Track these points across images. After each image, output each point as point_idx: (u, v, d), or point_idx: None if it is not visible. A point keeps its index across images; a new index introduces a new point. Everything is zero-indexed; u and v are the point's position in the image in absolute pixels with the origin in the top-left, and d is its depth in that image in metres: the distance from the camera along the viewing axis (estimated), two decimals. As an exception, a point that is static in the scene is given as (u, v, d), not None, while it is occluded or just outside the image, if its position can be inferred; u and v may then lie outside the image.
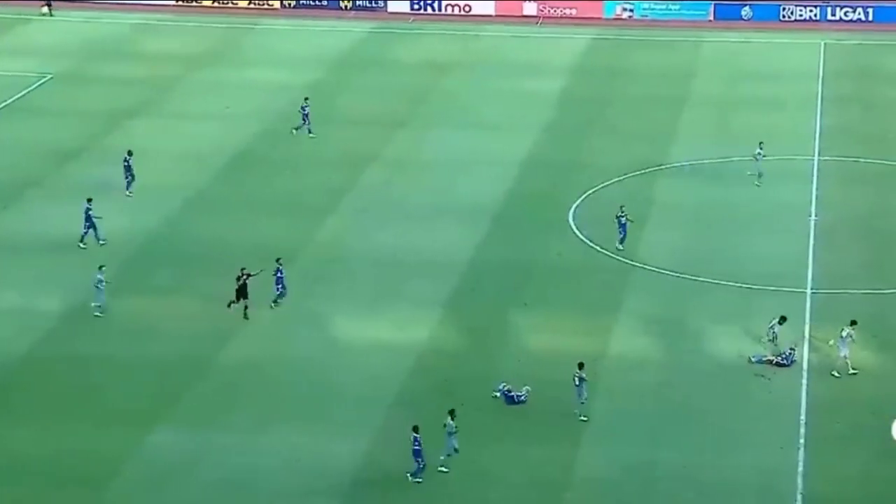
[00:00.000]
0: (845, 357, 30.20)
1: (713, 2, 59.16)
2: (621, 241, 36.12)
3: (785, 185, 41.21)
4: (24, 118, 47.74)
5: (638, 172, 42.19)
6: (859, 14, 58.07)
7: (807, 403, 29.29)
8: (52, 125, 46.75)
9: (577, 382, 28.52)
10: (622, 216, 36.17)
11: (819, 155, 43.48)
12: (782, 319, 31.29)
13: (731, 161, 43.13)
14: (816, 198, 40.13)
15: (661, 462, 27.34)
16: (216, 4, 60.83)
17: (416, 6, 60.11)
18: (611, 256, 36.41)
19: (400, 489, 26.76)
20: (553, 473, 26.84)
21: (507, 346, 31.85)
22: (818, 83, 50.42)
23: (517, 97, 48.90)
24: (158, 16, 59.71)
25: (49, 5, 59.37)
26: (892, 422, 26.81)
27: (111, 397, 29.79)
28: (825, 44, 55.17)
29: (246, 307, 32.47)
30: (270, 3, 60.99)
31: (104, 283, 33.03)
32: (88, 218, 36.57)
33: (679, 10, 59.32)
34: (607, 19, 59.09)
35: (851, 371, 30.27)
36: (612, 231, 37.39)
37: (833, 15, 58.11)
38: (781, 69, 52.21)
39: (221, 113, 47.68)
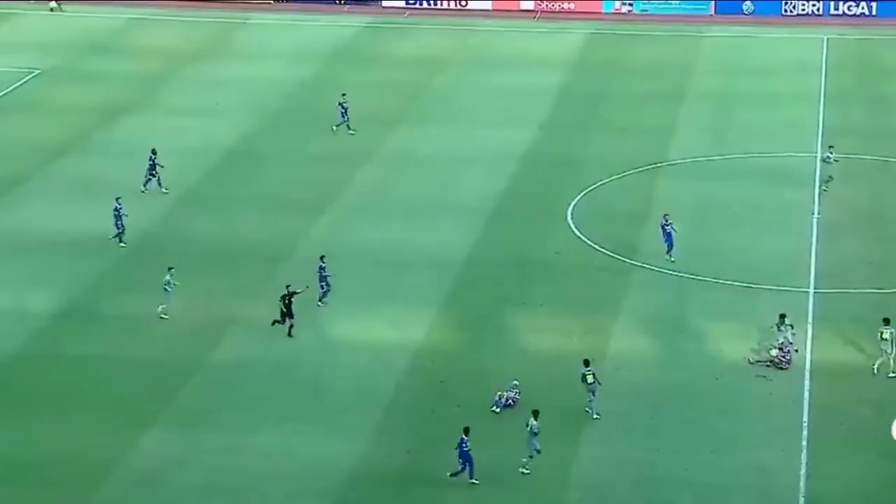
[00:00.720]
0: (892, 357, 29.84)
1: (714, -4, 58.84)
2: (669, 251, 35.24)
3: (787, 182, 40.92)
4: (12, 114, 47.55)
5: (638, 170, 41.86)
6: (862, 9, 57.85)
7: (809, 404, 29.11)
8: (41, 121, 46.60)
9: (591, 381, 28.38)
10: (667, 224, 35.34)
11: (821, 151, 43.08)
12: (782, 318, 30.72)
13: (732, 158, 42.70)
14: (819, 195, 39.79)
15: (661, 463, 27.19)
16: (208, -2, 60.36)
17: (411, 1, 59.56)
18: (610, 255, 36.15)
19: (395, 491, 26.63)
20: (551, 474, 26.67)
21: (504, 346, 31.71)
22: (821, 79, 50.26)
23: (514, 93, 48.74)
24: (149, 10, 59.23)
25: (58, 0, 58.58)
26: (893, 422, 26.51)
27: (102, 397, 29.64)
28: (828, 39, 54.97)
29: (291, 326, 31.38)
30: (263, -4, 60.52)
31: (173, 286, 32.48)
32: (119, 216, 36.14)
33: (679, 4, 58.88)
34: (606, 14, 58.78)
35: (891, 374, 29.96)
36: (611, 229, 37.37)
37: (836, 9, 57.93)
38: (783, 64, 52.07)
39: (213, 109, 47.49)
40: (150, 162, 39.89)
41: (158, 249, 36.72)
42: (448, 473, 26.44)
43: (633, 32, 56.41)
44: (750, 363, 30.45)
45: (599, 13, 58.73)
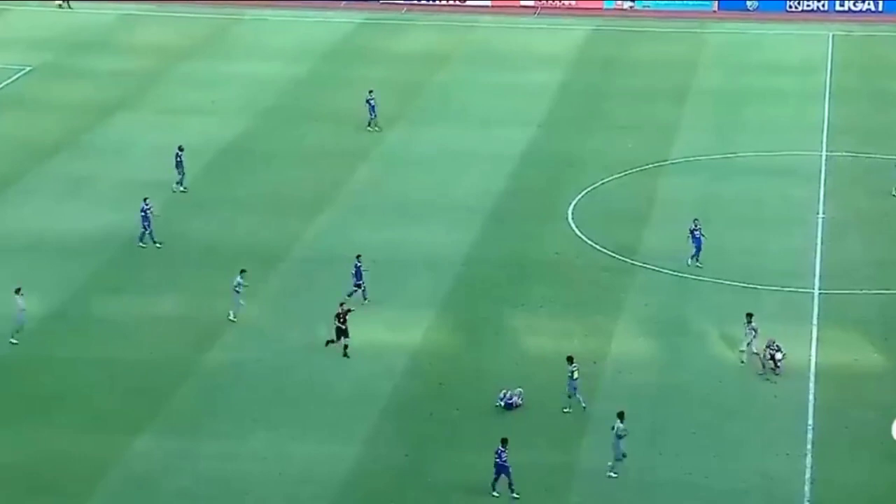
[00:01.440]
0: None
1: (718, -7, 58.43)
2: (693, 257, 34.65)
3: (791, 181, 40.67)
4: (2, 111, 47.26)
5: (639, 168, 41.51)
6: (868, 5, 57.58)
7: (814, 407, 28.87)
8: (32, 119, 46.35)
9: (576, 377, 28.30)
10: (696, 229, 34.78)
11: (827, 150, 42.85)
12: (749, 318, 30.29)
13: (736, 156, 42.29)
14: (824, 194, 39.63)
15: (663, 467, 26.99)
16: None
17: (409, -4, 59.26)
18: (611, 255, 35.78)
19: (392, 495, 26.37)
20: (552, 478, 26.40)
21: (503, 348, 31.49)
22: (826, 76, 49.96)
23: (514, 91, 48.55)
24: (143, 6, 58.74)
25: None
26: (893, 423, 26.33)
27: (92, 401, 29.40)
28: (833, 35, 54.72)
29: (346, 346, 30.61)
30: (258, -8, 60.10)
31: (244, 287, 32.09)
32: (146, 217, 35.77)
33: (682, 1, 58.43)
34: (607, 10, 58.44)
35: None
36: (613, 229, 37.12)
37: (841, 6, 57.77)
38: (788, 62, 51.87)
39: (207, 107, 47.34)
40: (177, 159, 39.57)
41: (152, 249, 36.37)
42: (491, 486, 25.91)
43: (634, 29, 56.11)
44: (742, 362, 30.00)
45: (600, 9, 58.48)
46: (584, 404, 28.52)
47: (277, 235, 37.01)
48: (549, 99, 47.63)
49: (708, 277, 34.58)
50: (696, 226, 34.81)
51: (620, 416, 26.53)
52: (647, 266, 35.19)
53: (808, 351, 30.81)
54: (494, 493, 25.92)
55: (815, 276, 34.49)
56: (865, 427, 27.99)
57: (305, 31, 56.13)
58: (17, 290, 31.50)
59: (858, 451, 27.29)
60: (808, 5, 57.87)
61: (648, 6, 58.67)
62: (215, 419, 28.54)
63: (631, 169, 41.55)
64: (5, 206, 39.49)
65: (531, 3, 58.87)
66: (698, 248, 34.64)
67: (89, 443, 27.68)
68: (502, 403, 28.66)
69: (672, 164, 42.26)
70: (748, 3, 58.31)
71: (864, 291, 33.76)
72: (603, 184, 40.53)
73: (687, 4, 58.64)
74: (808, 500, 25.86)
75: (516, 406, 28.72)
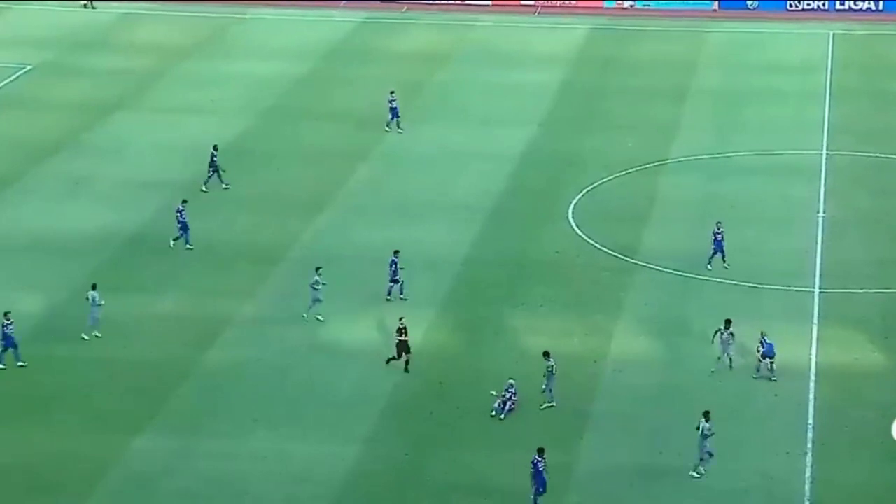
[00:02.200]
0: None
1: (718, -9, 58.35)
2: (722, 257, 34.45)
3: (792, 180, 40.59)
4: (2, 110, 47.13)
5: (639, 167, 41.45)
6: (869, 4, 57.51)
7: (814, 407, 28.79)
8: (31, 118, 46.26)
9: (554, 372, 28.19)
10: (719, 232, 34.63)
11: (827, 149, 42.83)
12: (727, 324, 30.11)
13: (737, 156, 42.24)
14: (824, 193, 39.52)
15: (664, 466, 26.91)
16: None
17: (409, -5, 59.18)
18: (611, 254, 35.67)
19: (392, 495, 26.29)
20: (552, 478, 26.20)
21: (503, 347, 31.37)
22: (826, 75, 49.89)
23: (514, 90, 48.47)
24: (143, 5, 58.64)
25: None
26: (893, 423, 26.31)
27: (92, 400, 29.32)
28: (833, 34, 54.65)
29: (407, 361, 30.14)
30: (259, -9, 60.03)
31: (322, 285, 31.98)
32: (180, 219, 35.77)
33: (682, 0, 58.32)
34: (607, 9, 58.32)
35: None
36: (613, 228, 37.06)
37: (842, 5, 57.68)
38: (788, 61, 51.79)
39: (208, 106, 47.29)
40: (212, 158, 39.58)
41: (151, 249, 36.34)
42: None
43: (635, 28, 56.05)
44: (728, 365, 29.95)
45: (601, 8, 58.40)
46: (554, 403, 28.37)
47: (277, 235, 36.93)
48: (549, 98, 47.56)
49: (708, 277, 34.53)
50: (718, 229, 34.59)
51: (706, 415, 26.28)
52: (648, 265, 35.13)
53: (808, 350, 30.73)
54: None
55: (815, 275, 34.42)
56: (866, 426, 27.91)
57: (306, 30, 56.02)
58: (93, 287, 31.52)
59: (859, 451, 27.21)
60: (809, 4, 57.77)
61: (649, 5, 58.58)
62: (215, 419, 28.46)
63: (631, 168, 41.49)
64: (5, 206, 39.40)
65: (531, 3, 58.77)
66: (722, 251, 34.36)
67: (89, 442, 27.61)
68: (503, 417, 28.30)
69: (672, 163, 42.20)
70: (748, 3, 58.22)
71: (864, 290, 33.70)
72: (603, 183, 40.46)
73: (687, 4, 58.56)
74: (809, 500, 25.79)
75: (513, 406, 28.56)
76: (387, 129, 43.79)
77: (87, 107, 46.72)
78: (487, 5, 59.01)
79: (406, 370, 29.98)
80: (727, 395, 29.26)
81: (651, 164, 41.89)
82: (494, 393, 28.68)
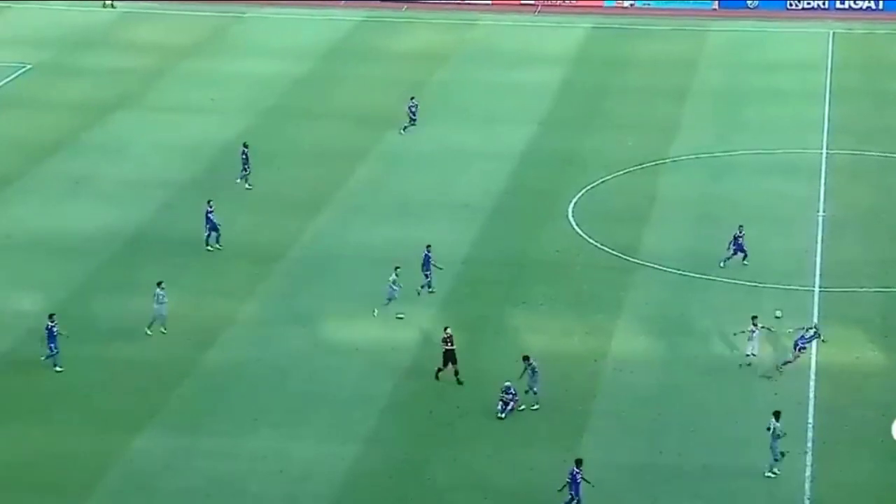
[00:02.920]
0: None
1: (718, -10, 58.31)
2: (727, 261, 34.33)
3: (792, 179, 40.54)
4: (1, 110, 47.05)
5: (640, 166, 41.38)
6: (869, 3, 57.48)
7: (814, 406, 28.74)
8: (31, 118, 46.23)
9: (532, 373, 28.18)
10: (740, 236, 34.52)
11: (827, 148, 42.77)
12: (754, 319, 30.21)
13: (737, 155, 42.21)
14: (824, 193, 39.48)
15: (663, 466, 26.87)
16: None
17: (409, -6, 59.15)
18: (612, 253, 35.62)
19: (390, 497, 26.14)
20: (552, 477, 26.22)
21: (504, 346, 31.27)
22: (826, 74, 49.81)
23: (514, 89, 48.42)
24: (143, 4, 58.56)
25: None
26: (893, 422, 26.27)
27: (92, 400, 29.29)
28: (833, 33, 54.58)
29: (456, 371, 29.72)
30: (259, -9, 59.99)
31: (399, 286, 32.10)
32: (209, 220, 35.67)
33: (682, -1, 58.43)
34: (608, 8, 58.25)
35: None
36: (613, 227, 36.99)
37: (842, 4, 57.61)
38: (788, 60, 51.75)
39: (208, 105, 47.24)
40: (243, 156, 39.49)
41: (151, 248, 36.32)
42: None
43: (635, 27, 55.99)
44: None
45: (601, 7, 58.32)
46: (537, 405, 28.32)
47: (277, 234, 36.88)
48: (549, 97, 47.50)
49: (708, 276, 34.49)
50: (740, 231, 34.53)
51: (776, 415, 26.23)
52: (648, 264, 35.10)
53: (808, 349, 30.56)
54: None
55: (815, 274, 34.36)
56: (866, 425, 27.88)
57: (306, 29, 55.97)
58: (159, 284, 31.60)
59: (859, 450, 27.17)
60: (809, 3, 57.71)
61: (649, 4, 58.50)
62: (215, 418, 28.43)
63: (631, 167, 41.44)
64: (5, 205, 39.35)
65: (531, 2, 58.72)
66: (744, 252, 34.29)
67: (89, 441, 27.57)
68: (503, 416, 28.21)
69: (672, 162, 42.16)
70: (748, 2, 58.16)
71: (864, 289, 33.65)
72: (603, 182, 40.42)
73: (687, 3, 58.47)
74: (809, 499, 25.75)
75: (515, 404, 28.54)
76: (401, 133, 43.55)
77: (86, 106, 46.69)
78: (487, 4, 58.95)
79: (458, 382, 29.36)
80: (727, 394, 29.22)
81: (651, 164, 41.85)
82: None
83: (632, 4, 58.52)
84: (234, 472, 26.59)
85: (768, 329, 30.26)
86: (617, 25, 56.37)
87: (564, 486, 25.16)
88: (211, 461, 26.98)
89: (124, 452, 27.17)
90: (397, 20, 57.08)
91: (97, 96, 47.65)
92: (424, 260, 33.12)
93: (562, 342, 31.12)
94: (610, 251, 35.82)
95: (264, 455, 27.08)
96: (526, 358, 28.59)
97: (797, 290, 33.59)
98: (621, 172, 41.11)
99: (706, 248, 36.09)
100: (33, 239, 36.88)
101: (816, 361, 30.29)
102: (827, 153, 42.56)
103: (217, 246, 35.71)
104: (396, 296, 32.13)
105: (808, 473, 26.42)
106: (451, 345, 29.46)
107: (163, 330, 31.46)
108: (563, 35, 55.00)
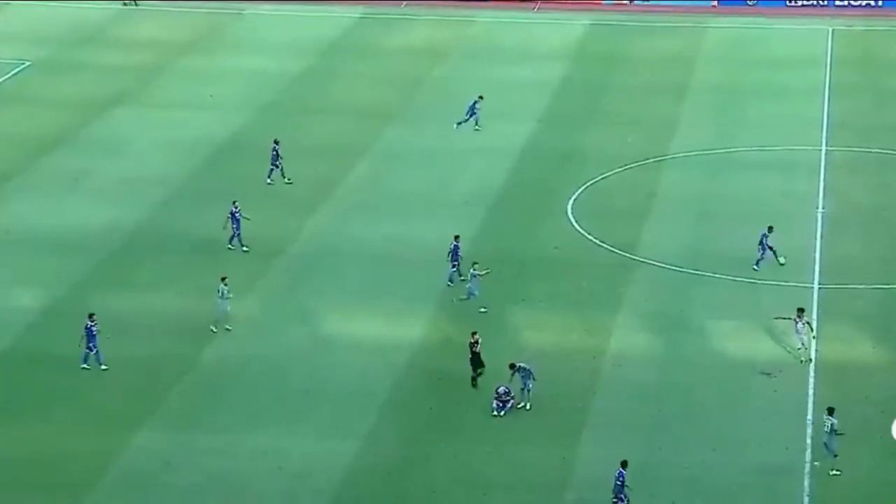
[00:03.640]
0: None
1: (717, -13, 58.20)
2: (758, 262, 34.25)
3: (791, 176, 40.52)
4: (1, 106, 46.93)
5: (639, 163, 41.34)
6: (868, 0, 56.99)
7: (814, 402, 28.71)
8: (30, 114, 46.14)
9: (523, 373, 28.17)
10: (767, 236, 34.43)
11: (826, 145, 42.75)
12: (800, 312, 30.20)
13: (736, 151, 42.21)
14: (824, 189, 39.44)
15: (663, 463, 26.87)
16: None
17: (408, -10, 59.04)
18: (611, 250, 35.60)
19: (389, 494, 26.14)
20: (552, 474, 26.28)
21: (503, 343, 31.19)
22: (826, 71, 49.75)
23: (513, 85, 48.35)
24: (142, 0, 58.51)
25: None
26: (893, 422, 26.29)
27: (91, 397, 29.25)
28: (833, 30, 54.49)
29: (479, 375, 29.52)
30: (257, -13, 59.85)
31: (481, 276, 32.13)
32: (235, 219, 35.49)
33: (682, -5, 58.32)
34: (607, 4, 58.28)
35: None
36: (613, 224, 36.95)
37: (841, 1, 57.31)
38: (788, 56, 51.67)
39: (207, 102, 47.15)
40: (274, 152, 39.47)
41: (149, 245, 36.29)
42: None
43: (634, 23, 55.90)
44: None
45: (600, 3, 58.22)
46: (528, 405, 28.31)
47: (276, 230, 36.81)
48: (548, 94, 47.43)
49: (707, 272, 34.48)
50: (769, 232, 34.45)
51: (830, 411, 26.12)
52: (647, 261, 35.07)
53: (807, 346, 30.60)
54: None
55: (814, 271, 34.35)
56: (865, 422, 27.81)
57: (304, 25, 55.87)
58: (223, 279, 31.55)
59: (859, 446, 27.07)
60: (808, 0, 57.73)
61: (648, 1, 58.46)
62: (214, 415, 28.41)
63: (631, 164, 41.40)
64: (4, 202, 39.29)
65: (530, -2, 58.77)
66: (773, 252, 34.25)
67: (89, 439, 27.53)
68: (502, 413, 28.25)
69: (672, 158, 42.13)
70: (748, -2, 58.19)
71: (863, 286, 33.62)
72: (603, 178, 40.38)
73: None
74: (808, 495, 25.74)
75: (513, 402, 28.54)
76: (455, 129, 43.49)
77: (85, 103, 46.60)
78: (486, 0, 58.89)
79: (473, 385, 29.29)
80: (727, 391, 29.21)
81: (650, 160, 41.81)
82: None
83: (631, 1, 58.43)
84: (233, 469, 26.56)
85: (809, 324, 30.07)
86: (616, 22, 56.28)
87: (622, 490, 24.76)
88: (210, 458, 26.94)
89: (124, 450, 27.14)
90: (396, 17, 56.98)
91: (96, 93, 47.58)
92: (453, 250, 33.32)
93: (561, 339, 31.08)
94: (609, 248, 35.78)
95: (264, 452, 27.05)
96: (512, 366, 28.50)
97: (796, 286, 33.57)
98: (621, 169, 41.07)
99: (706, 245, 36.09)
100: (32, 235, 36.84)
101: (816, 358, 30.21)
102: (826, 150, 42.51)
103: (242, 248, 35.37)
104: (476, 292, 32.21)
105: (807, 469, 26.39)
106: (478, 349, 29.26)
107: (227, 327, 31.33)
108: (562, 31, 54.89)
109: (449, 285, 33.18)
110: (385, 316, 32.24)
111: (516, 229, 37.19)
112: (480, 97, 43.93)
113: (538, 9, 58.09)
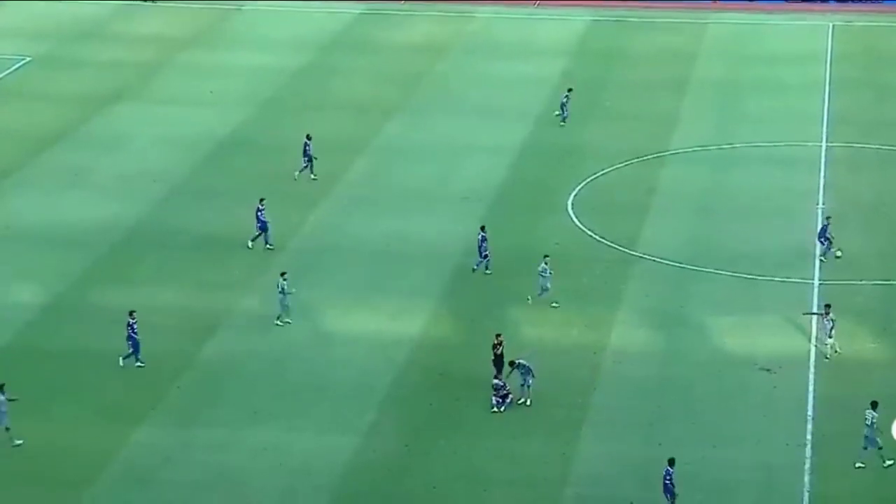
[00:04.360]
0: None
1: (718, -18, 58.19)
2: (825, 254, 34.33)
3: (791, 171, 40.51)
4: (1, 102, 46.94)
5: (640, 159, 41.31)
6: (868, -5, 57.23)
7: (814, 398, 28.72)
8: (30, 110, 46.20)
9: (523, 369, 28.16)
10: (826, 226, 34.39)
11: (827, 141, 42.70)
12: (827, 308, 30.31)
13: (736, 147, 42.18)
14: (824, 185, 39.40)
15: (663, 458, 26.62)
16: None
17: (408, -14, 59.01)
18: (611, 246, 35.57)
19: (389, 490, 26.15)
20: (551, 470, 26.30)
21: (503, 339, 30.91)
22: (826, 66, 49.74)
23: (514, 81, 48.39)
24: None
25: None
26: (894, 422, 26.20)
27: (92, 392, 29.26)
28: (833, 26, 54.45)
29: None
30: (258, -17, 59.82)
31: (550, 273, 32.29)
32: (259, 219, 35.44)
33: (683, -10, 58.30)
34: (607, 0, 57.96)
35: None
36: (613, 220, 36.96)
37: (841, -4, 57.28)
38: (788, 52, 51.71)
39: (206, 97, 47.18)
40: (305, 147, 39.51)
41: (149, 241, 36.27)
42: None
43: (634, 19, 55.89)
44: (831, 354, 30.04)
45: None
46: (529, 402, 28.31)
47: (276, 226, 36.73)
48: (549, 89, 47.41)
49: (708, 268, 34.47)
50: (827, 222, 34.46)
51: (874, 405, 26.08)
52: (647, 257, 35.06)
53: (807, 342, 30.64)
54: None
55: (814, 266, 34.34)
56: (865, 418, 27.64)
57: (304, 21, 55.90)
58: (283, 275, 31.62)
59: (858, 442, 27.00)
60: (808, -4, 57.80)
61: (648, -3, 58.48)
62: (214, 411, 28.40)
63: (631, 159, 41.40)
64: (4, 197, 39.30)
65: (530, -7, 58.73)
66: (829, 243, 34.22)
67: (88, 434, 27.55)
68: (502, 409, 28.25)
69: (672, 154, 42.11)
70: (748, -6, 58.13)
71: (863, 282, 33.62)
72: (603, 174, 40.38)
73: (688, -6, 58.43)
74: (808, 491, 25.73)
75: (515, 399, 28.52)
76: (562, 124, 43.53)
77: (85, 98, 46.63)
78: (486, -4, 58.98)
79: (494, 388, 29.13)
80: (727, 387, 29.21)
81: (651, 156, 41.81)
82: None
83: (631, -4, 58.46)
84: (233, 465, 26.56)
85: (832, 319, 30.01)
86: (616, 17, 56.27)
87: (672, 489, 24.63)
88: (210, 454, 26.95)
89: (124, 445, 27.15)
90: (396, 12, 56.96)
91: (96, 89, 47.60)
92: (480, 241, 33.56)
93: (561, 335, 31.06)
94: (609, 243, 35.77)
95: (264, 448, 27.06)
96: (511, 363, 28.51)
97: (797, 282, 33.56)
98: (621, 165, 41.06)
99: (706, 241, 36.08)
100: (32, 231, 36.84)
101: (815, 354, 30.21)
102: (826, 146, 42.52)
103: (268, 246, 35.28)
104: (549, 285, 32.28)
105: (807, 466, 26.39)
106: (500, 351, 29.11)
107: (288, 320, 31.45)
108: (562, 27, 54.89)
109: (473, 270, 33.82)
110: (385, 312, 32.23)
111: (517, 225, 37.19)
112: (570, 89, 44.02)
113: (538, 4, 58.06)
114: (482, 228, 33.92)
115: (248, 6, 57.95)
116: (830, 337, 30.07)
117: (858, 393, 28.73)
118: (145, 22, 55.73)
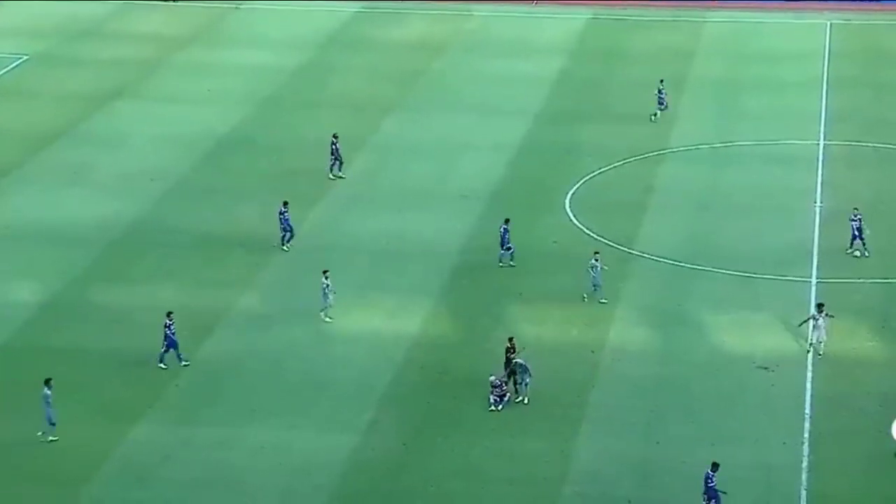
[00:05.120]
0: None
1: (716, -20, 58.27)
2: (852, 244, 34.42)
3: (789, 169, 40.54)
4: None
5: (637, 157, 41.31)
6: (866, -7, 57.31)
7: (811, 396, 28.74)
8: (29, 108, 46.24)
9: (520, 368, 28.21)
10: (855, 220, 34.42)
11: (825, 139, 42.75)
12: (819, 308, 30.40)
13: (734, 145, 42.22)
14: (822, 183, 39.39)
15: (660, 456, 26.87)
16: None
17: (406, -16, 59.03)
18: (609, 244, 35.55)
19: (388, 488, 26.14)
20: (550, 468, 26.31)
21: (501, 337, 31.17)
22: (824, 64, 49.73)
23: (512, 79, 48.42)
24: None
25: None
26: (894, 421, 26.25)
27: (90, 390, 29.27)
28: (831, 24, 54.52)
29: (513, 383, 29.29)
30: (256, -19, 59.80)
31: (602, 269, 32.48)
32: (283, 221, 35.35)
33: (681, -12, 58.33)
34: (605, -1, 58.27)
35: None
36: (611, 218, 37.02)
37: (839, -6, 57.37)
38: (786, 50, 51.79)
39: (205, 96, 47.26)
40: (333, 146, 39.46)
41: (148, 239, 36.30)
42: None
43: (633, 17, 55.88)
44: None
45: (598, -3, 58.30)
46: (526, 400, 28.35)
47: (276, 225, 36.81)
48: (547, 87, 47.48)
49: (706, 266, 34.51)
50: (854, 216, 34.51)
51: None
52: (645, 255, 35.10)
53: (805, 340, 30.59)
54: None
55: (812, 264, 34.40)
56: (863, 415, 27.88)
57: (302, 19, 55.94)
58: (325, 273, 31.80)
59: (856, 440, 27.15)
60: (807, -6, 57.85)
61: (646, -5, 58.51)
62: (213, 409, 28.41)
63: (629, 158, 41.43)
64: (3, 195, 39.32)
65: (529, -8, 58.73)
66: (861, 238, 34.32)
67: (87, 431, 27.54)
68: (500, 408, 28.29)
69: (670, 152, 42.15)
70: (746, -8, 58.19)
71: (861, 280, 33.66)
72: (601, 173, 40.42)
73: (686, -7, 58.46)
74: (806, 489, 25.75)
75: (513, 397, 28.57)
76: (652, 119, 43.50)
77: (84, 96, 46.66)
78: (485, -6, 58.97)
79: (516, 391, 29.00)
80: (725, 385, 29.22)
81: (649, 154, 41.83)
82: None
83: (629, -5, 58.50)
84: (232, 463, 26.57)
85: (831, 316, 30.12)
86: (615, 16, 56.28)
87: (715, 493, 24.52)
88: (209, 452, 26.95)
89: (122, 443, 27.15)
90: (394, 10, 56.98)
91: (95, 87, 47.62)
92: (503, 233, 33.94)
93: (559, 333, 31.08)
94: (607, 242, 35.79)
95: (263, 446, 27.07)
96: (510, 361, 28.54)
97: (794, 280, 33.60)
98: (619, 163, 41.09)
99: (704, 239, 36.10)
100: (31, 229, 36.85)
101: (813, 352, 30.21)
102: (824, 144, 42.56)
103: (284, 247, 35.19)
104: (600, 281, 32.36)
105: (805, 464, 26.42)
106: (513, 354, 29.05)
107: (329, 318, 31.50)
108: (560, 25, 54.93)
109: (500, 266, 33.98)
110: (384, 310, 32.24)
111: (515, 223, 37.12)
112: (661, 81, 44.12)
113: (537, 3, 58.07)
114: (506, 221, 34.22)
115: (247, 5, 57.96)
116: (819, 338, 30.07)
117: (856, 391, 28.84)
118: (144, 20, 55.76)
